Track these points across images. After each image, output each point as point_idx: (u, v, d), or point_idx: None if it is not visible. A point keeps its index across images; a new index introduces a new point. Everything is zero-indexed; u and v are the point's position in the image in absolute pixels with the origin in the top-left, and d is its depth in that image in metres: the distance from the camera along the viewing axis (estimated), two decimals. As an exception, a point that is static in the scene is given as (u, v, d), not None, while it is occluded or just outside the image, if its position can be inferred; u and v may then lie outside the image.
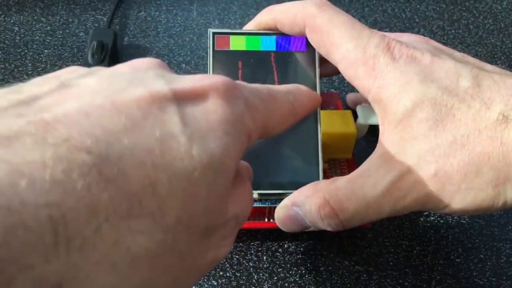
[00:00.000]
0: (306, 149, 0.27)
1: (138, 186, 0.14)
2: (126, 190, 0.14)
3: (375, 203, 0.23)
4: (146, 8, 0.45)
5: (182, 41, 0.42)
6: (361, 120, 0.30)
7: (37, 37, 0.42)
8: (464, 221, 0.31)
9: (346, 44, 0.24)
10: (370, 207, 0.23)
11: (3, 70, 0.39)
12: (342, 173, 0.31)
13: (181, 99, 0.16)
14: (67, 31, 0.42)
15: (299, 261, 0.29)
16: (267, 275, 0.28)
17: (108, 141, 0.14)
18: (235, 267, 0.28)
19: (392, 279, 0.28)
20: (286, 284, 0.27)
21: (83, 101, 0.15)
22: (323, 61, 0.27)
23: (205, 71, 0.39)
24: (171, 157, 0.15)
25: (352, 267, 0.28)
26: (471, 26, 0.45)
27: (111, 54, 0.38)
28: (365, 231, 0.30)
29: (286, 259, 0.29)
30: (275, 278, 0.28)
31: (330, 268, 0.28)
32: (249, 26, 0.29)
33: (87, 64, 0.37)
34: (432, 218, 0.31)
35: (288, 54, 0.28)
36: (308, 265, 0.28)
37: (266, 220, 0.28)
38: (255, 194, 0.26)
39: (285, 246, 0.29)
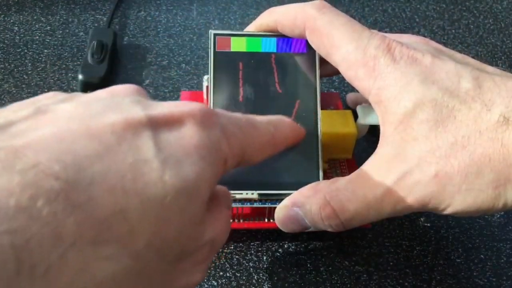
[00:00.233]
0: (306, 149, 0.27)
1: (107, 212, 0.14)
2: (95, 215, 0.14)
3: (376, 204, 0.23)
4: (146, 8, 0.45)
5: (182, 41, 0.42)
6: (361, 120, 0.30)
7: (37, 37, 0.41)
8: (464, 221, 0.31)
9: (346, 45, 0.24)
10: (370, 207, 0.23)
11: (2, 70, 0.39)
12: (342, 173, 0.31)
13: (157, 124, 0.17)
14: (67, 31, 0.42)
15: (299, 261, 0.29)
16: (267, 275, 0.28)
17: (78, 167, 0.14)
18: (235, 267, 0.28)
19: (392, 279, 0.28)
20: (286, 284, 0.27)
21: (58, 126, 0.15)
22: (323, 61, 0.27)
23: (205, 71, 0.39)
24: (143, 182, 0.15)
25: (352, 267, 0.28)
26: (472, 26, 0.45)
27: (111, 54, 0.38)
28: (365, 232, 0.30)
29: (286, 259, 0.29)
30: (275, 278, 0.28)
31: (330, 268, 0.28)
32: (250, 28, 0.29)
33: (87, 64, 0.37)
34: (433, 218, 0.31)
35: (289, 56, 0.28)
36: (308, 265, 0.28)
37: (266, 220, 0.28)
38: (255, 194, 0.26)
39: (285, 246, 0.29)
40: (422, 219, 0.31)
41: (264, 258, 0.29)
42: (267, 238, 0.29)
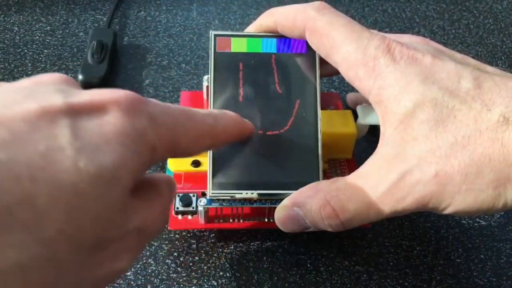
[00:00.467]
0: (306, 149, 0.27)
1: (12, 199, 0.14)
2: None
3: (376, 204, 0.23)
4: (146, 8, 0.45)
5: (182, 41, 0.42)
6: (361, 120, 0.30)
7: (37, 37, 0.41)
8: (464, 221, 0.31)
9: (346, 46, 0.24)
10: (370, 207, 0.23)
11: (2, 70, 0.39)
12: (342, 173, 0.31)
13: (76, 112, 0.16)
14: (67, 31, 0.42)
15: (299, 261, 0.29)
16: (267, 275, 0.28)
17: None
18: (235, 267, 0.28)
19: (392, 279, 0.28)
20: (286, 284, 0.27)
21: None
22: (323, 62, 0.27)
23: (205, 71, 0.39)
24: (55, 169, 0.15)
25: (352, 267, 0.28)
26: (472, 26, 0.45)
27: (111, 54, 0.38)
28: (365, 231, 0.30)
29: (286, 259, 0.29)
30: (275, 278, 0.28)
31: (330, 268, 0.28)
32: (250, 29, 0.29)
33: (87, 64, 0.37)
34: (433, 218, 0.31)
35: (289, 56, 0.28)
36: (308, 265, 0.28)
37: (266, 220, 0.28)
38: (255, 194, 0.26)
39: (285, 246, 0.29)
40: (422, 219, 0.31)
41: (264, 258, 0.29)
42: (267, 238, 0.29)
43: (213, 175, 0.26)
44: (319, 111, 0.28)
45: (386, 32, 0.27)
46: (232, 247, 0.29)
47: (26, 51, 0.40)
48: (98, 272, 0.17)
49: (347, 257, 0.29)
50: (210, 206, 0.27)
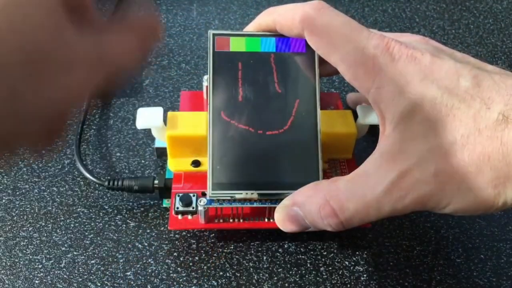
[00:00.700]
0: (306, 149, 0.27)
1: None
2: None
3: (375, 203, 0.23)
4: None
5: (182, 41, 0.42)
6: (361, 120, 0.30)
7: (37, 37, 0.41)
8: (464, 221, 0.31)
9: (345, 45, 0.24)
10: (370, 207, 0.23)
11: (3, 70, 0.39)
12: (342, 173, 0.31)
13: None
14: (67, 31, 0.42)
15: (299, 261, 0.29)
16: (267, 275, 0.28)
17: None
18: (235, 267, 0.28)
19: (392, 279, 0.28)
20: (286, 284, 0.27)
21: None
22: (323, 61, 0.27)
23: (205, 71, 0.39)
24: None
25: (352, 267, 0.28)
26: (472, 26, 0.45)
27: (111, 54, 0.38)
28: (365, 231, 0.30)
29: (286, 259, 0.29)
30: (275, 278, 0.28)
31: (330, 268, 0.28)
32: (249, 28, 0.29)
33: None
34: (433, 218, 0.31)
35: (288, 56, 0.28)
36: (308, 265, 0.28)
37: (266, 220, 0.28)
38: (255, 194, 0.26)
39: (285, 246, 0.29)
40: (422, 219, 0.31)
41: (264, 258, 0.29)
42: (267, 238, 0.29)
43: (213, 175, 0.26)
44: (319, 111, 0.28)
45: (386, 32, 0.27)
46: (232, 247, 0.29)
47: (26, 51, 0.40)
48: None
49: (347, 257, 0.29)
50: (210, 206, 0.27)
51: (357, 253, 0.29)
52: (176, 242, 0.29)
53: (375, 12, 0.46)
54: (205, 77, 0.30)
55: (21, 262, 0.28)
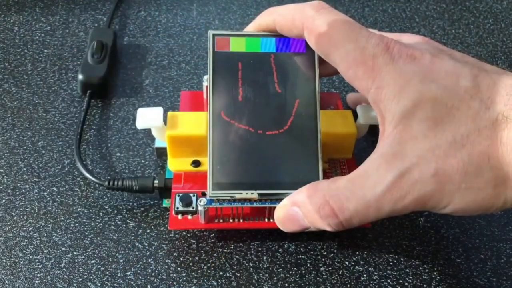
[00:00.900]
0: (306, 149, 0.27)
1: None
2: None
3: (375, 203, 0.23)
4: (146, 8, 0.45)
5: (182, 41, 0.42)
6: (361, 120, 0.30)
7: (37, 37, 0.42)
8: (464, 221, 0.31)
9: (344, 45, 0.24)
10: (370, 207, 0.23)
11: (3, 70, 0.39)
12: (342, 173, 0.31)
13: None
14: (67, 31, 0.42)
15: (299, 261, 0.29)
16: (267, 275, 0.28)
17: None
18: (235, 267, 0.28)
19: (392, 279, 0.28)
20: (286, 284, 0.27)
21: None
22: (323, 61, 0.27)
23: (205, 71, 0.39)
24: None
25: (352, 267, 0.28)
26: (472, 26, 0.45)
27: (111, 54, 0.38)
28: (365, 231, 0.30)
29: (286, 259, 0.29)
30: (275, 278, 0.28)
31: (330, 268, 0.28)
32: (249, 28, 0.29)
33: (87, 64, 0.37)
34: (433, 218, 0.31)
35: (288, 56, 0.28)
36: (308, 265, 0.28)
37: (266, 220, 0.28)
38: (255, 194, 0.26)
39: (285, 246, 0.29)
40: (422, 219, 0.31)
41: (264, 258, 0.29)
42: (267, 238, 0.29)
43: (213, 175, 0.26)
44: (319, 111, 0.28)
45: (386, 32, 0.27)
46: (232, 247, 0.29)
47: (26, 51, 0.40)
48: None
49: (347, 257, 0.29)
50: (210, 206, 0.27)
51: (357, 253, 0.29)
52: (176, 242, 0.29)
53: (375, 12, 0.46)
54: (205, 77, 0.30)
55: (21, 262, 0.28)
